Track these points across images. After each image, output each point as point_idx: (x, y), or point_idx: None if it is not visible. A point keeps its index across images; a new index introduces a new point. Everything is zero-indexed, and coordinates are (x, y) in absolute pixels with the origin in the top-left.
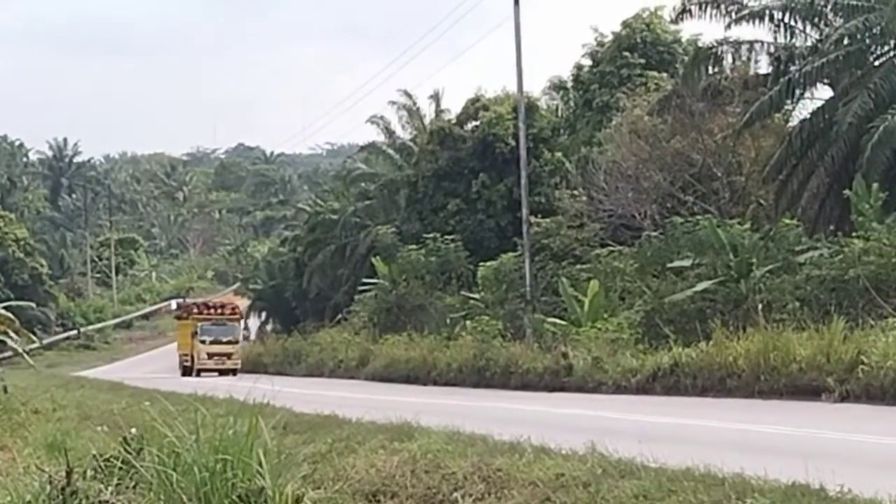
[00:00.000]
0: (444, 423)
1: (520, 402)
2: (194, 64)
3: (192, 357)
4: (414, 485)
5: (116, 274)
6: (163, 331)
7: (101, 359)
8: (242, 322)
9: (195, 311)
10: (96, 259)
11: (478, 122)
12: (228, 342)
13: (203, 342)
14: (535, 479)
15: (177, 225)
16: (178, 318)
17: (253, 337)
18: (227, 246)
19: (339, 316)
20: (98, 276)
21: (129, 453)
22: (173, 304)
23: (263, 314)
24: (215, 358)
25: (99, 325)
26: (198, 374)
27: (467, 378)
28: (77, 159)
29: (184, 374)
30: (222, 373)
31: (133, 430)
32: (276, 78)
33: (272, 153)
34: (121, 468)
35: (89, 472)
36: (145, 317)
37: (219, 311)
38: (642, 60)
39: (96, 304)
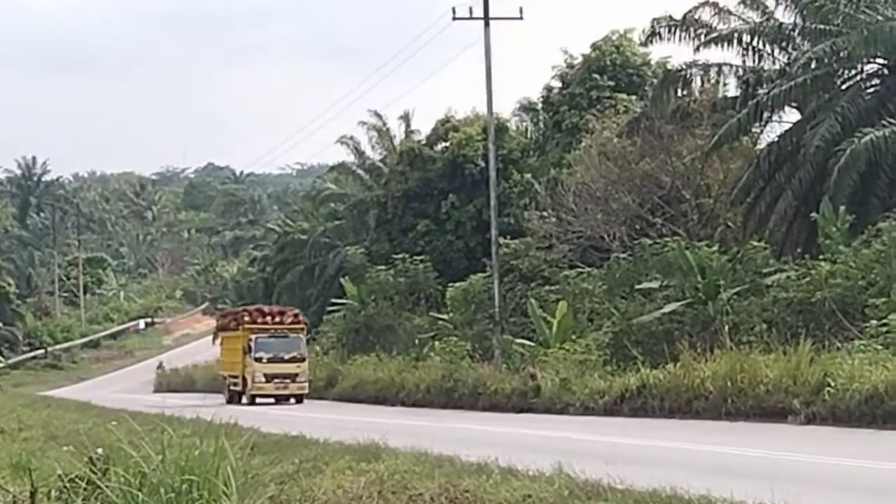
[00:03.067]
0: (411, 444)
1: (488, 424)
2: (164, 83)
3: (244, 379)
4: None
5: (84, 293)
6: (130, 350)
7: (68, 378)
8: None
9: (246, 319)
10: (64, 278)
11: (447, 143)
12: (293, 359)
13: (259, 360)
14: (502, 500)
15: (145, 244)
16: (222, 328)
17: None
18: (196, 265)
19: (308, 336)
20: (66, 295)
21: (95, 473)
22: (141, 323)
23: None
24: (276, 381)
25: (66, 345)
26: (251, 402)
27: (435, 399)
28: (46, 178)
29: (230, 401)
30: (278, 399)
31: (99, 451)
32: (246, 98)
33: (242, 173)
34: (86, 489)
35: (54, 493)
36: (113, 336)
37: (278, 318)
38: (612, 83)
39: (64, 323)
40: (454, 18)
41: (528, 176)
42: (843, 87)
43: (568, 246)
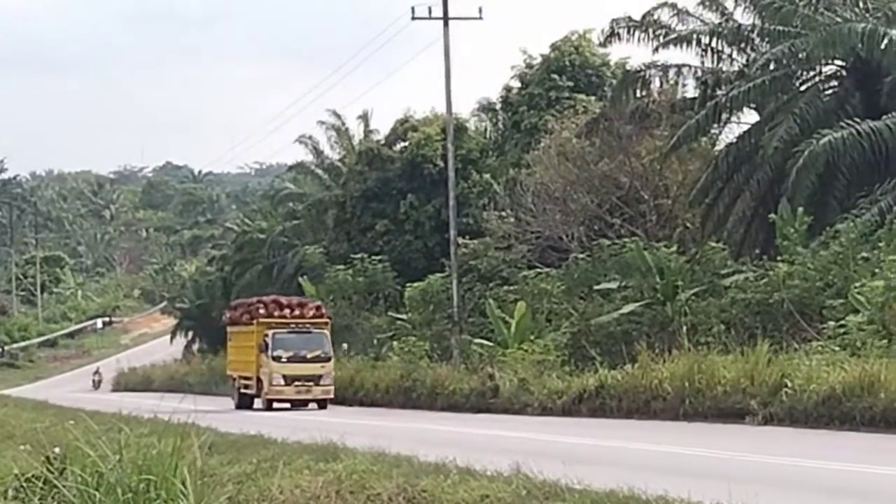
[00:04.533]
0: (369, 443)
1: (446, 424)
2: (122, 82)
3: (259, 381)
4: None
5: (42, 292)
6: (88, 349)
7: (25, 377)
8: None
9: (262, 312)
10: (21, 277)
11: (406, 143)
12: (316, 359)
13: (278, 359)
14: (459, 500)
15: (103, 243)
16: (232, 322)
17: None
18: (154, 265)
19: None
20: (23, 294)
21: (52, 473)
22: (98, 322)
23: (190, 334)
24: (297, 384)
25: (23, 344)
26: (268, 407)
27: (394, 399)
28: (3, 176)
29: (240, 406)
30: (295, 404)
31: (56, 450)
32: (205, 97)
33: (200, 172)
34: (43, 488)
35: (10, 492)
36: (71, 335)
37: (297, 311)
38: (571, 83)
39: (21, 322)
40: (413, 18)
41: (487, 176)
42: (802, 88)
43: (526, 246)
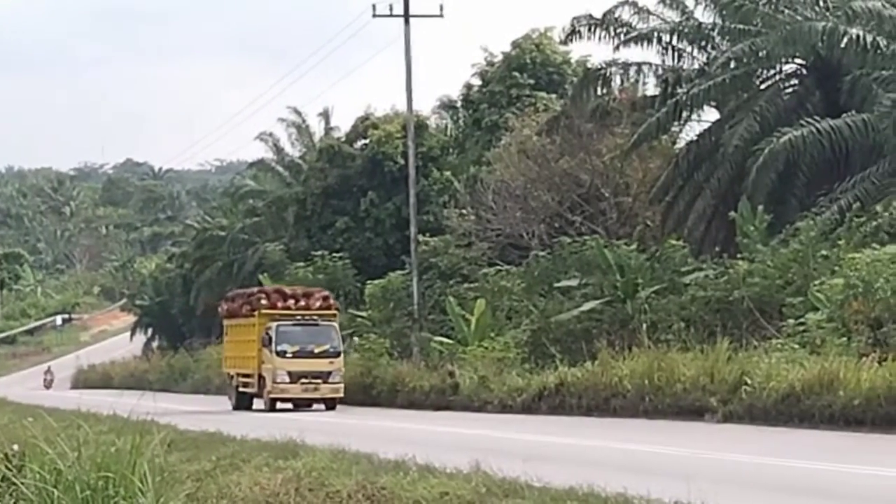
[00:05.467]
0: (329, 441)
1: (405, 421)
2: (83, 78)
3: (261, 379)
4: (298, 503)
5: (1, 289)
6: (47, 346)
7: None
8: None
9: (264, 303)
10: None
11: (367, 141)
12: (324, 354)
13: (282, 354)
14: (419, 497)
15: (63, 240)
16: (230, 314)
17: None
18: (114, 262)
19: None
20: None
21: (10, 470)
22: (58, 319)
23: (149, 331)
24: (303, 381)
25: None
26: (271, 407)
27: (354, 396)
28: None
29: (239, 406)
30: (299, 404)
31: (14, 447)
32: (166, 94)
33: (160, 169)
34: (0, 485)
35: None
36: (30, 332)
37: (303, 301)
38: (532, 81)
39: None
40: (374, 16)
41: (448, 174)
42: (762, 86)
43: (487, 244)
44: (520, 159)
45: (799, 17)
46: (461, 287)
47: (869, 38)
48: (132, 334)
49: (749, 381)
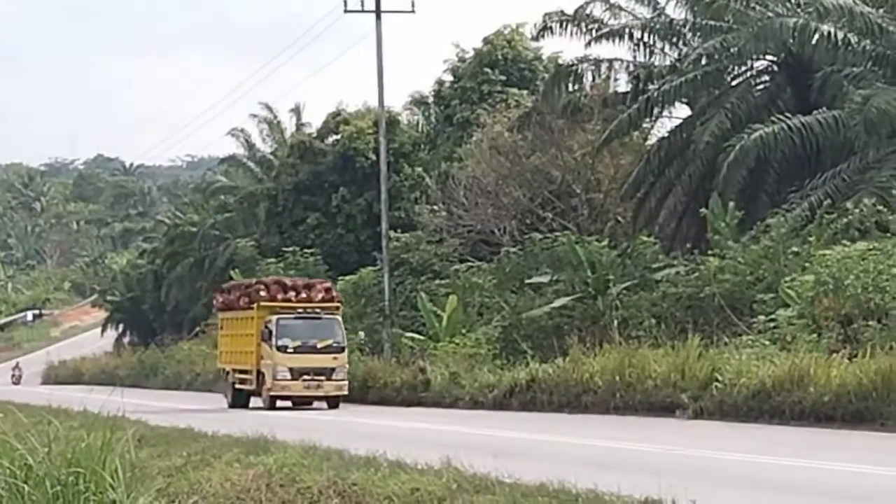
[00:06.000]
0: (300, 437)
1: (377, 417)
2: (54, 74)
3: (259, 375)
4: (269, 499)
5: None
6: (18, 342)
7: None
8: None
9: (263, 294)
10: None
11: (338, 136)
12: (328, 349)
13: (283, 349)
14: (390, 493)
15: (34, 236)
16: (226, 307)
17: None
18: (85, 257)
19: (198, 329)
20: None
21: None
22: (29, 315)
23: (120, 326)
24: (306, 378)
25: None
26: (271, 405)
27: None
28: None
29: (235, 404)
30: (298, 402)
31: None
32: (137, 89)
33: (132, 165)
34: None
35: None
36: (0, 328)
37: (304, 293)
38: (503, 77)
39: None
40: (346, 11)
41: (419, 170)
42: (733, 83)
43: (458, 240)
44: (491, 155)
45: (770, 14)
46: (432, 283)
47: (840, 35)
48: (103, 330)
49: (720, 378)
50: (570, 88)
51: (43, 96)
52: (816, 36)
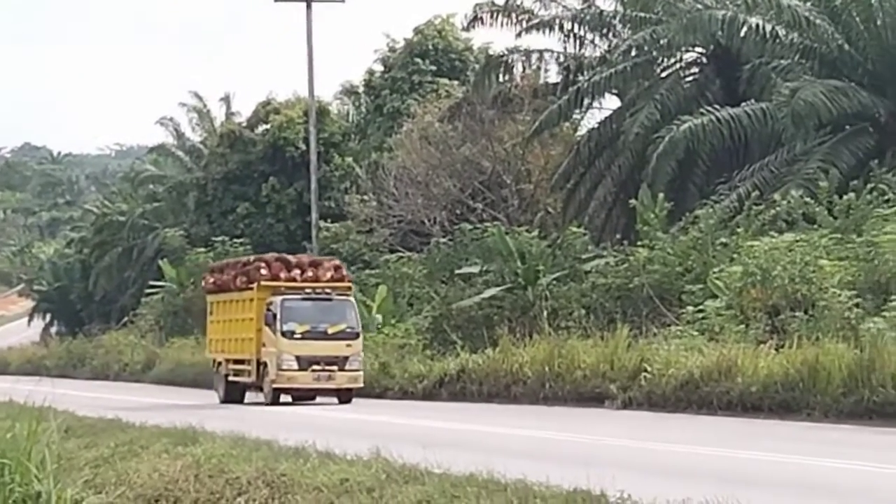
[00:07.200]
0: (229, 427)
1: (306, 407)
2: None
3: (260, 366)
4: (197, 490)
5: None
6: None
7: None
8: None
9: (264, 273)
10: None
11: (268, 126)
12: (340, 335)
13: (289, 335)
14: (319, 484)
15: None
16: (218, 288)
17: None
18: (12, 246)
19: (126, 319)
20: None
21: None
22: None
23: (48, 316)
24: (315, 368)
25: None
26: (275, 399)
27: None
28: None
29: (228, 398)
30: (298, 396)
31: None
32: (65, 77)
33: (59, 153)
34: None
35: None
36: None
37: (311, 272)
38: (434, 67)
39: None
40: (276, 0)
41: (350, 160)
42: (663, 74)
43: (388, 230)
44: (421, 146)
45: (699, 6)
46: (362, 273)
47: (768, 28)
48: (30, 320)
49: (648, 368)
50: (501, 79)
51: None
52: (745, 28)
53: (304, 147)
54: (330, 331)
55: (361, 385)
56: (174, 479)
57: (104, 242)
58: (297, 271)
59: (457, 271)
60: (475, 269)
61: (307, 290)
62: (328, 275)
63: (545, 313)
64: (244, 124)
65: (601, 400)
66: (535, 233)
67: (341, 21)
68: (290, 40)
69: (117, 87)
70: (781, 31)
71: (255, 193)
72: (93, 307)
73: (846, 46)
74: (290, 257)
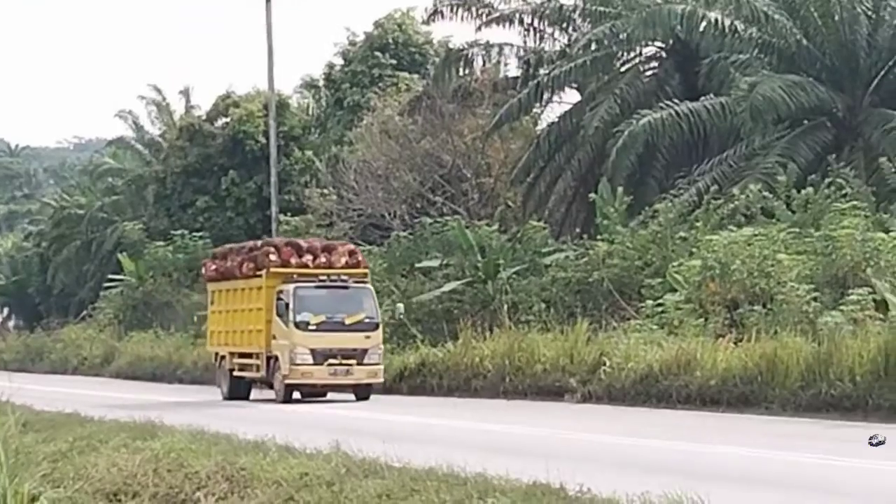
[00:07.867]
0: (188, 421)
1: (266, 402)
2: None
3: (271, 360)
4: (156, 484)
5: None
6: None
7: None
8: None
9: (273, 259)
10: None
11: (228, 119)
12: (358, 326)
13: (303, 326)
14: (278, 478)
15: None
16: (222, 275)
17: None
18: None
19: (85, 312)
20: None
21: None
22: None
23: (5, 310)
24: (332, 362)
25: None
26: (287, 396)
27: (214, 377)
28: None
29: (233, 395)
30: (305, 394)
31: None
32: (21, 68)
33: (17, 146)
34: None
35: None
36: None
37: (324, 258)
38: (394, 61)
39: None
40: None
41: (310, 153)
42: (622, 69)
43: (348, 224)
44: (382, 139)
45: (658, 1)
46: None
47: (727, 22)
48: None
49: (608, 362)
50: (461, 73)
51: None
52: (704, 23)
53: (263, 140)
54: (347, 321)
55: (382, 380)
56: (133, 473)
57: (62, 236)
58: (309, 257)
59: (417, 265)
60: (435, 263)
61: (321, 278)
62: (343, 260)
63: (505, 307)
64: (204, 118)
65: (561, 394)
66: (496, 227)
67: (301, 14)
68: (250, 33)
69: (75, 80)
70: (740, 26)
71: (214, 187)
72: (51, 301)
73: (804, 41)
74: (301, 241)
